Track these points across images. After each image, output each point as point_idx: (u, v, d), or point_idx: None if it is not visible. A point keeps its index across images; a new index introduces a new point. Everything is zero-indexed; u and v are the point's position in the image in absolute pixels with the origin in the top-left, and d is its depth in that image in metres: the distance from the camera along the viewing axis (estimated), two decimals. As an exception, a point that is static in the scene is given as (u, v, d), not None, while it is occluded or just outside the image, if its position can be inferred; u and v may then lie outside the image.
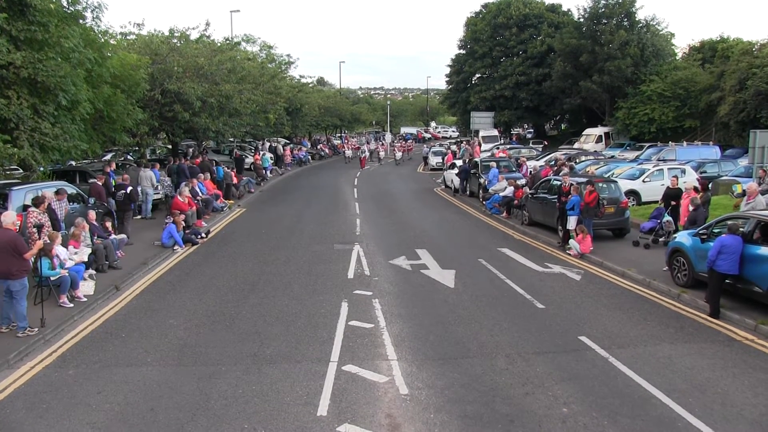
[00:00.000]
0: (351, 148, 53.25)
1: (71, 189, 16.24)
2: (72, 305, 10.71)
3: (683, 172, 21.20)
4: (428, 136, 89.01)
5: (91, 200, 16.47)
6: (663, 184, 19.18)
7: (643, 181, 21.76)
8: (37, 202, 12.11)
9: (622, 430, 6.55)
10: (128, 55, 20.08)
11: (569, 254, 15.09)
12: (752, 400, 7.24)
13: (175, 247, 15.79)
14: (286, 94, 38.54)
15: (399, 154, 49.59)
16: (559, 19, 56.85)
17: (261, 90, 30.61)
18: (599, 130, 45.20)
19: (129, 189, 17.18)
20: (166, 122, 24.31)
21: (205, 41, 27.02)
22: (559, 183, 17.33)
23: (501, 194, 21.77)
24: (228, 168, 27.64)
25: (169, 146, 31.57)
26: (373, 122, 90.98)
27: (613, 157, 33.12)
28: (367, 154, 48.40)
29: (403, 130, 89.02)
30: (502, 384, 7.71)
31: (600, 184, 17.17)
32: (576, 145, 42.63)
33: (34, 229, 10.86)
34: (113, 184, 18.02)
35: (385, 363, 8.37)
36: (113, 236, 14.60)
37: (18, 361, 8.46)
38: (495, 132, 53.22)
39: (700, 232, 11.56)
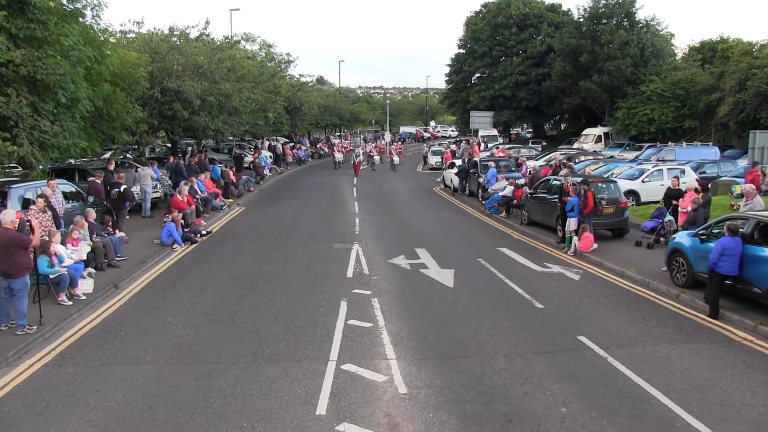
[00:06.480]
0: (342, 151, 46.38)
1: (70, 187, 16.25)
2: (71, 303, 10.71)
3: (683, 172, 21.20)
4: (427, 135, 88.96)
5: (90, 198, 16.48)
6: (662, 185, 19.15)
7: (643, 181, 21.76)
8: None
9: (620, 430, 6.55)
10: (128, 53, 20.07)
11: (569, 254, 15.10)
12: (751, 400, 7.25)
13: (174, 246, 15.77)
14: (286, 92, 38.51)
15: (396, 159, 43.20)
16: (558, 18, 56.90)
17: (260, 89, 30.58)
18: (599, 130, 45.24)
19: (122, 188, 17.17)
20: (166, 120, 24.29)
21: (204, 40, 26.99)
22: (558, 183, 17.34)
23: (500, 194, 21.77)
24: (227, 167, 27.63)
25: (169, 145, 31.54)
26: (373, 121, 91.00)
27: (612, 157, 33.13)
28: (362, 158, 41.94)
29: (403, 129, 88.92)
30: (501, 383, 7.71)
31: (599, 184, 17.19)
32: (575, 145, 42.64)
33: (27, 224, 10.83)
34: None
35: (384, 362, 8.37)
36: (115, 234, 14.59)
37: (17, 359, 8.46)
38: (494, 132, 53.28)
39: (700, 232, 11.56)
